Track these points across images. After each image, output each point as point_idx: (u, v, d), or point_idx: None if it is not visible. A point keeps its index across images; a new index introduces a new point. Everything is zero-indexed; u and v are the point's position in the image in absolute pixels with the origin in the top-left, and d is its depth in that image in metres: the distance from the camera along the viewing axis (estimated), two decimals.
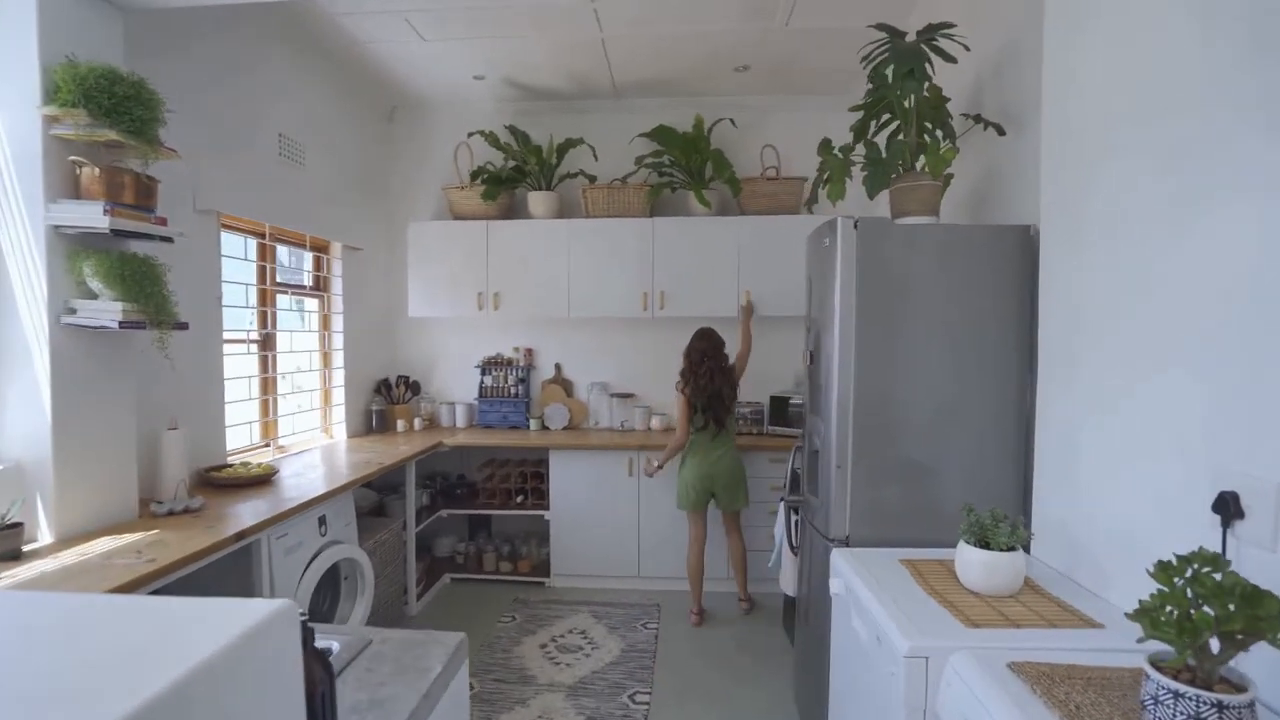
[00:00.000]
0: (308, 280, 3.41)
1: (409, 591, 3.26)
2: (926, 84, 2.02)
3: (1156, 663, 1.02)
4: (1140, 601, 1.05)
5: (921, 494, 2.00)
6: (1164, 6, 1.42)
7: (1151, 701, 1.01)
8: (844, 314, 1.97)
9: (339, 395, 3.56)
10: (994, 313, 1.97)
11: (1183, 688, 0.96)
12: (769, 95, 3.75)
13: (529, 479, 3.72)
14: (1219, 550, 1.19)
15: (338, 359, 3.56)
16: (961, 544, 1.63)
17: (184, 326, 2.03)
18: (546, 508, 3.61)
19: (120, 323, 1.81)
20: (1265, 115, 1.16)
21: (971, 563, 1.59)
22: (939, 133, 2.13)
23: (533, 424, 3.94)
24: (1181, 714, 0.96)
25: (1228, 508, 1.21)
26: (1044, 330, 1.84)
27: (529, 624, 3.18)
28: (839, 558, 1.90)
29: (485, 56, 3.34)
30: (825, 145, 2.20)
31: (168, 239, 1.99)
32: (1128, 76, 1.53)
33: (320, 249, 3.48)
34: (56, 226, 1.80)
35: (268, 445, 3.00)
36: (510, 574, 3.68)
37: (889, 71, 2.07)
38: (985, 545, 1.59)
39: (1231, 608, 0.94)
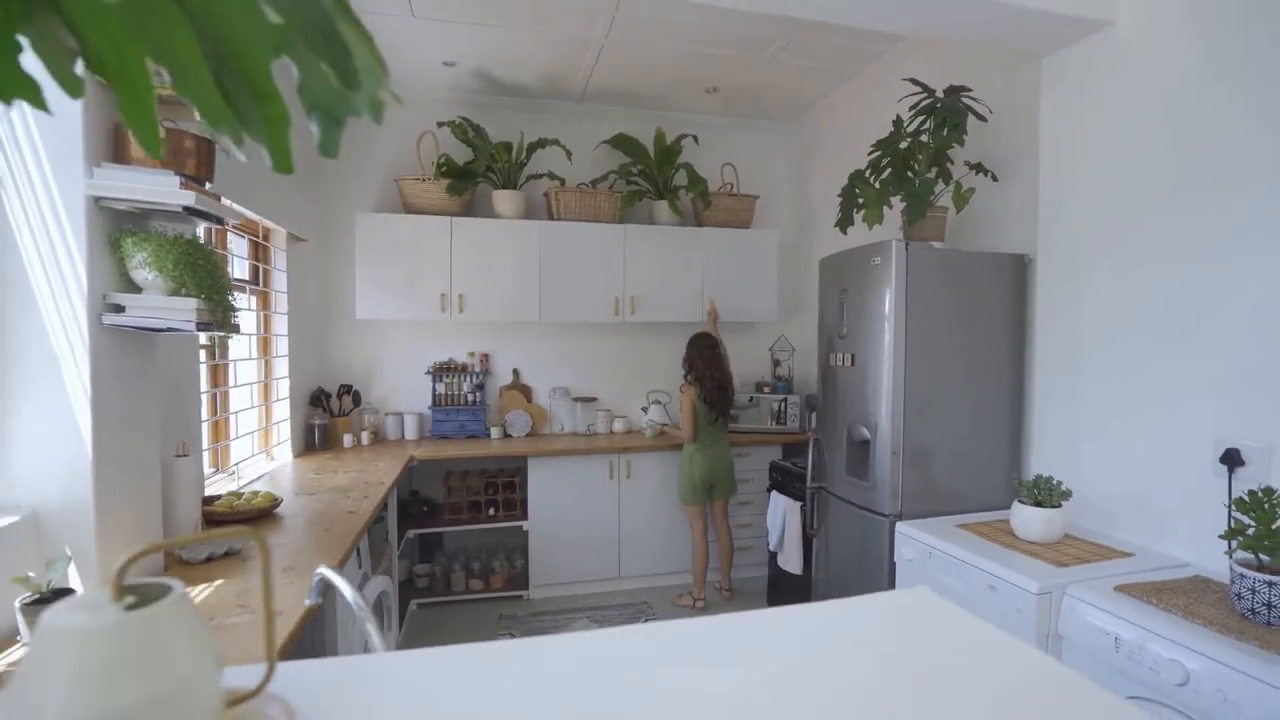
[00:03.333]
0: (243, 272, 2.87)
1: (392, 619, 2.92)
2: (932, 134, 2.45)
3: (1243, 565, 1.48)
4: (1229, 526, 1.51)
5: (942, 473, 2.41)
6: (1154, 81, 1.95)
7: (1248, 592, 1.45)
8: (895, 322, 2.32)
9: (282, 409, 3.05)
10: (993, 323, 2.45)
11: (1273, 577, 1.41)
12: (726, 116, 4.04)
13: (500, 490, 3.55)
14: (1226, 490, 1.74)
15: (281, 367, 3.04)
16: (1018, 505, 2.04)
17: (237, 329, 1.66)
18: (523, 518, 3.47)
19: (197, 324, 1.45)
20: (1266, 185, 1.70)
21: (1032, 519, 2.01)
22: (933, 171, 2.58)
23: (494, 432, 3.74)
24: (1276, 596, 1.41)
25: (1232, 459, 1.75)
26: (1043, 345, 2.35)
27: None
28: (908, 529, 2.22)
29: (467, 43, 3.14)
30: (859, 175, 2.54)
31: (220, 221, 1.63)
32: (1116, 146, 2.08)
33: (261, 237, 2.94)
34: (99, 199, 1.38)
35: (228, 472, 2.49)
36: (483, 591, 3.46)
37: (916, 120, 2.47)
38: (1038, 504, 2.03)
39: None
